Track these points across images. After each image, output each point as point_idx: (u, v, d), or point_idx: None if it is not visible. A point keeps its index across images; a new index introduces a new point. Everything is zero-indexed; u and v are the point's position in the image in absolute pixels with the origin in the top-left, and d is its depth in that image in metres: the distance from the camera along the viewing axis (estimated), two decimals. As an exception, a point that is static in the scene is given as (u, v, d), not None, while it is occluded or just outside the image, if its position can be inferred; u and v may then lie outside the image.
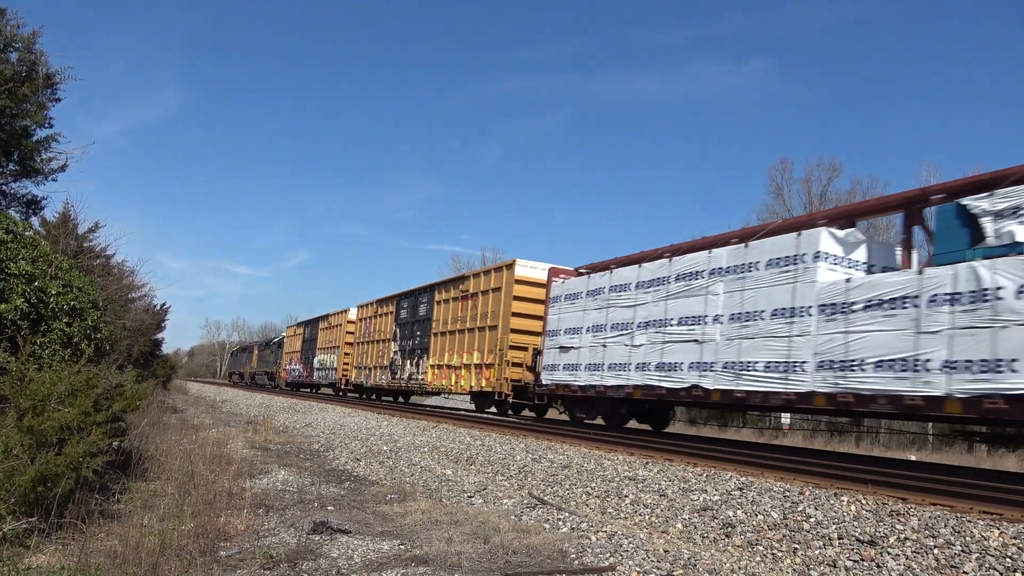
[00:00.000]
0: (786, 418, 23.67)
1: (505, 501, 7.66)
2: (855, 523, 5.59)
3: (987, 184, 8.47)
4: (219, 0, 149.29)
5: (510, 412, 19.56)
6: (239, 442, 11.92)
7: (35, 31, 13.92)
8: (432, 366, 22.55)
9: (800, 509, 6.10)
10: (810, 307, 9.73)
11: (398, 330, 26.08)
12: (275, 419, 18.26)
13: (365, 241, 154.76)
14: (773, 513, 6.14)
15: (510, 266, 18.95)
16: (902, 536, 5.21)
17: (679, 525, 6.34)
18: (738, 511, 6.34)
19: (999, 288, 7.55)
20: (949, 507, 5.94)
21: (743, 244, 11.24)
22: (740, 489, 7.00)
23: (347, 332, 32.66)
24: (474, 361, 19.84)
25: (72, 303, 7.84)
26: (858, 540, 5.28)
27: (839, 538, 5.38)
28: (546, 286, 16.50)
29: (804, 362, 9.65)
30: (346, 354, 32.48)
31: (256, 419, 18.22)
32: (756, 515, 6.18)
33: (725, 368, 10.91)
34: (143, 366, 24.48)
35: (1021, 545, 4.81)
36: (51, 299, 7.60)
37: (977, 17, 72.24)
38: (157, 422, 12.47)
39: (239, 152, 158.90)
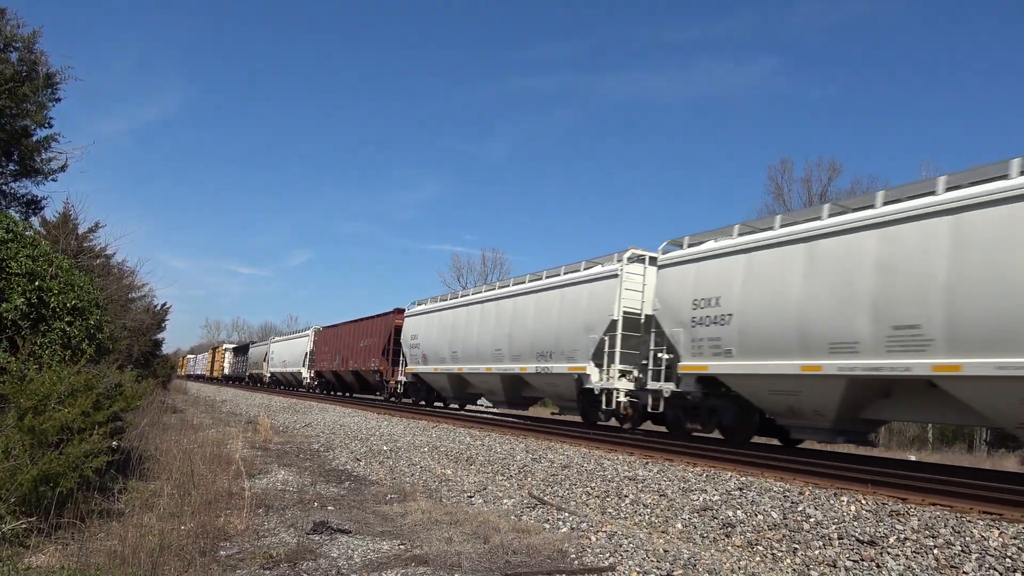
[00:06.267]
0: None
1: (505, 501, 7.66)
2: (855, 523, 5.59)
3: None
4: (222, 0, 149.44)
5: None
6: (239, 442, 11.91)
7: (35, 31, 13.97)
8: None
9: (800, 509, 6.10)
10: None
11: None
12: (275, 419, 18.26)
13: (367, 241, 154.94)
14: (773, 513, 6.13)
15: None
16: (902, 536, 5.21)
17: (679, 525, 6.34)
18: (738, 511, 6.34)
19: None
20: (949, 507, 5.93)
21: None
22: (740, 489, 6.99)
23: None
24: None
25: (73, 302, 7.84)
26: (858, 540, 5.27)
27: (839, 538, 5.37)
28: None
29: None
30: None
31: (256, 419, 18.20)
32: (756, 515, 6.18)
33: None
34: (143, 366, 24.50)
35: (1021, 545, 4.80)
36: (52, 299, 7.60)
37: (979, 17, 72.28)
38: (157, 422, 12.47)
39: (242, 151, 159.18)
